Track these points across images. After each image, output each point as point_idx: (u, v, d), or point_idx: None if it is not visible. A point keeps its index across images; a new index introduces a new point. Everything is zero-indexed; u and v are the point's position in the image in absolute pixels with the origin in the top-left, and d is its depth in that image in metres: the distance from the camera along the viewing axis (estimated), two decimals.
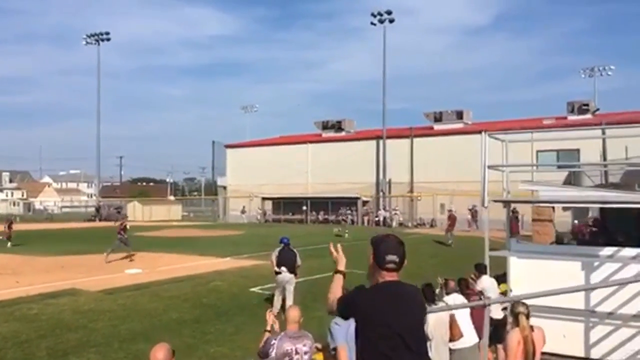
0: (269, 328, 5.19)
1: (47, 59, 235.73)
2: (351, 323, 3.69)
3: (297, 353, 4.17)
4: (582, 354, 8.79)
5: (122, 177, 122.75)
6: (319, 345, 5.67)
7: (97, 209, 59.06)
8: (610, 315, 8.63)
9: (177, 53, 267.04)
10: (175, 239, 29.93)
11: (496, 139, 9.22)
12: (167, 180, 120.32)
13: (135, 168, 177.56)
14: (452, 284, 7.44)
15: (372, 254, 3.55)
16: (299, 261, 12.37)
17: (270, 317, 5.28)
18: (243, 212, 52.00)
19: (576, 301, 8.84)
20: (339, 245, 4.01)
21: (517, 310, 5.60)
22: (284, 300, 12.02)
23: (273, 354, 4.20)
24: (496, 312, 8.53)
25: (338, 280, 3.79)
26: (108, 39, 62.34)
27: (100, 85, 62.01)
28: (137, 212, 58.21)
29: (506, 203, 9.36)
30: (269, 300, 13.53)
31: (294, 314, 5.27)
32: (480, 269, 8.78)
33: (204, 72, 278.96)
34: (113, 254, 20.52)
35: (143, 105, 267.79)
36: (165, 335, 10.83)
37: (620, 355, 8.54)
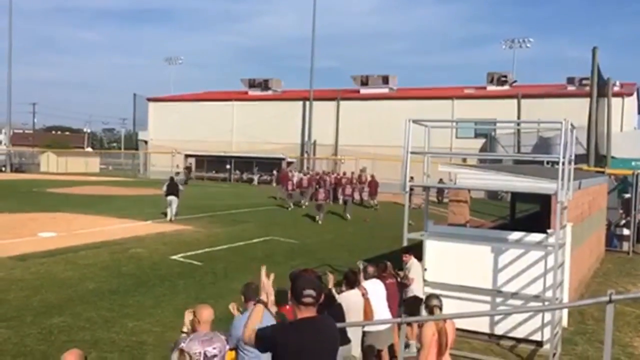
0: (185, 329, 5.00)
1: None
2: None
3: (205, 356, 4.17)
4: (487, 330, 9.42)
5: (36, 125, 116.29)
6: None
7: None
8: (514, 295, 9.25)
9: None
10: (93, 198, 28.90)
11: (420, 124, 9.46)
12: (85, 129, 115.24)
13: (50, 116, 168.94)
14: (371, 269, 7.69)
15: (289, 288, 3.63)
16: (181, 188, 21.66)
17: (187, 317, 5.05)
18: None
19: (484, 281, 9.42)
20: (272, 274, 4.03)
21: (431, 304, 5.94)
22: None
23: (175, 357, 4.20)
24: (418, 291, 8.85)
25: (258, 312, 3.82)
26: None
27: (12, 25, 57.94)
28: (51, 163, 55.63)
29: (425, 188, 9.72)
30: (192, 268, 13.58)
31: (206, 314, 4.93)
32: (409, 251, 9.04)
33: (126, 17, 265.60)
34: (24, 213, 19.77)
35: (59, 49, 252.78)
36: (81, 307, 10.62)
37: (521, 332, 9.22)
